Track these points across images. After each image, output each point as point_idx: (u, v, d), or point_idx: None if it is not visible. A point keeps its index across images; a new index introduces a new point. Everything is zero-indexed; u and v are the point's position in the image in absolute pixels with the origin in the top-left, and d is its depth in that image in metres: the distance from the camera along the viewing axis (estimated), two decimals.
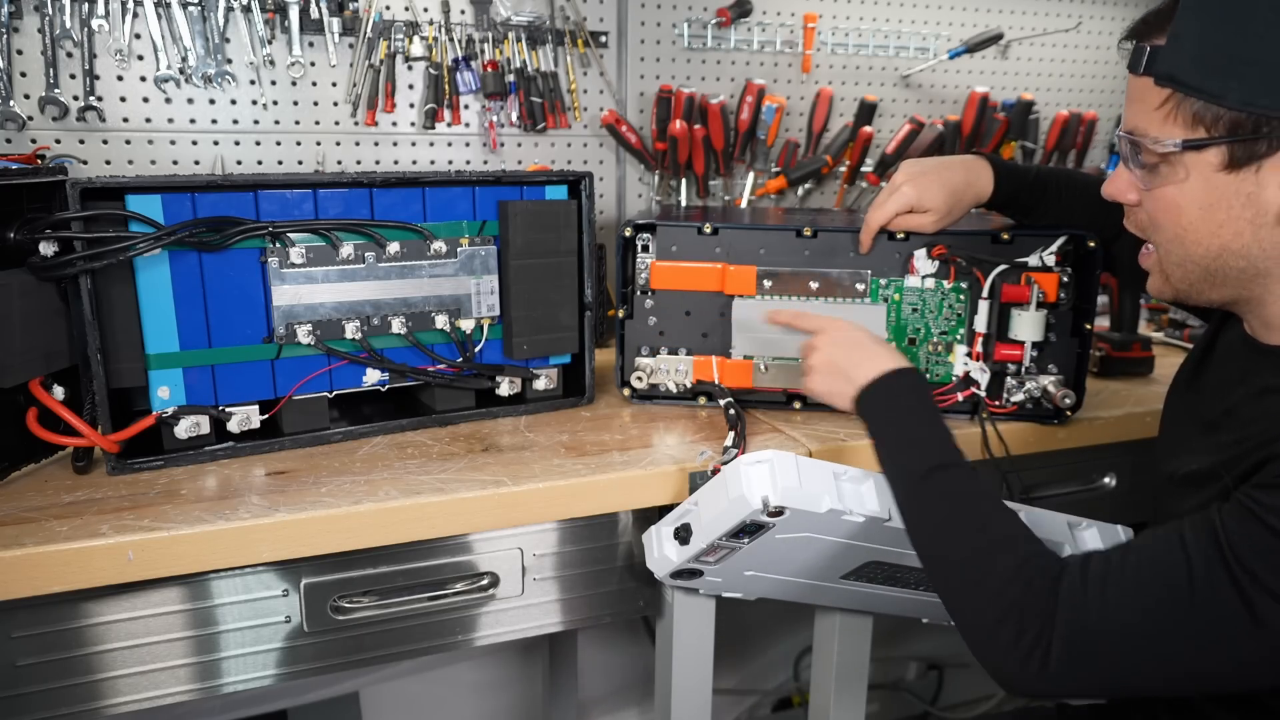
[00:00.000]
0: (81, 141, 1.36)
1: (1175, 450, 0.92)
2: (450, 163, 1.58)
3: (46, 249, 0.92)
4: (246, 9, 1.39)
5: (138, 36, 1.36)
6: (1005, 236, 1.16)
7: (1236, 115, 0.72)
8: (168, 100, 1.40)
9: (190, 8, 1.36)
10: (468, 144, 1.58)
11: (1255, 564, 0.68)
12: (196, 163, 1.43)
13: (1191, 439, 0.89)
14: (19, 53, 1.30)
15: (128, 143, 1.39)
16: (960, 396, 1.18)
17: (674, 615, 1.11)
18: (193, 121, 1.42)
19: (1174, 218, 0.79)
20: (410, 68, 1.52)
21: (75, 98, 1.34)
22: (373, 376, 1.11)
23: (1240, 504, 0.71)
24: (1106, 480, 1.32)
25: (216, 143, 1.44)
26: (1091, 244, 1.13)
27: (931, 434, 0.89)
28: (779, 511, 0.87)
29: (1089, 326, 1.17)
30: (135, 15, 1.34)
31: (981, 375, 1.16)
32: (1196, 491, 0.82)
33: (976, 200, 1.17)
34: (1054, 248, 1.14)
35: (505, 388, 1.20)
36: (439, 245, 1.11)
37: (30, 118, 1.32)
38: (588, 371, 1.24)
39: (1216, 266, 0.79)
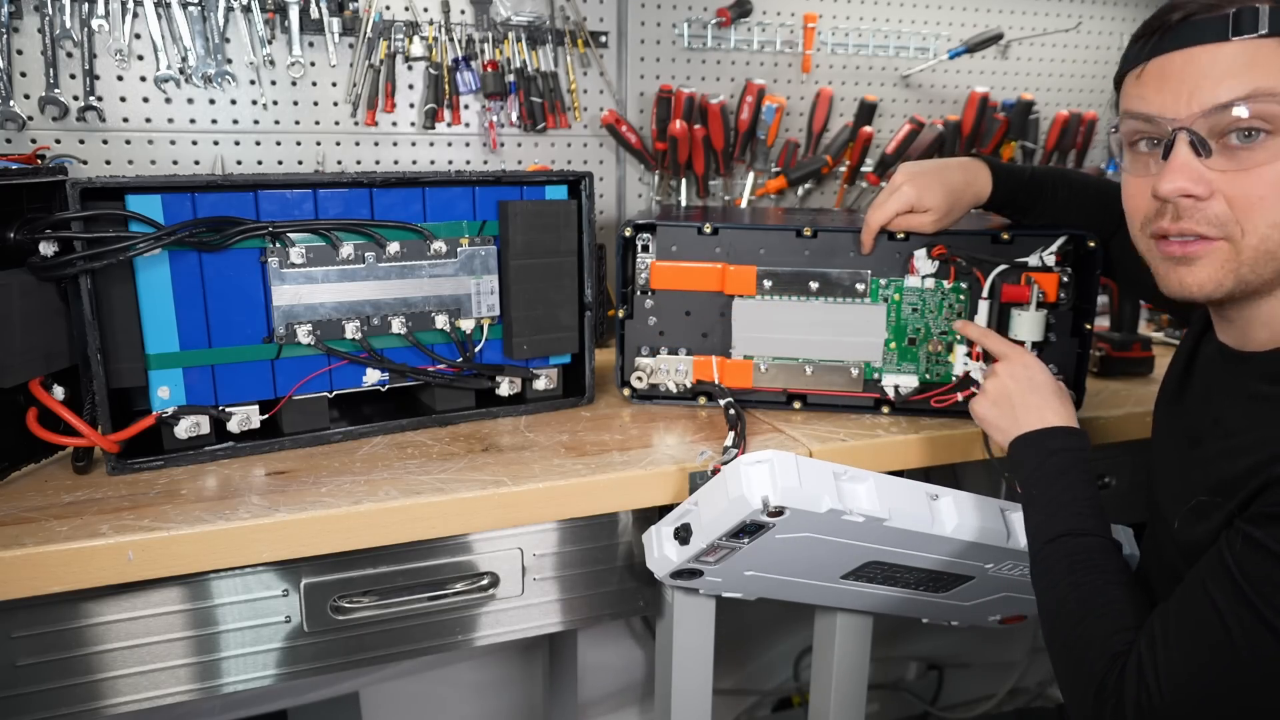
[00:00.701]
0: (81, 141, 1.36)
1: (1165, 467, 0.92)
2: (450, 163, 1.58)
3: (46, 249, 0.92)
4: (246, 9, 1.39)
5: (138, 36, 1.36)
6: (1005, 236, 1.16)
7: None
8: (168, 100, 1.40)
9: (190, 8, 1.36)
10: (468, 144, 1.58)
11: (1277, 598, 0.68)
12: (196, 163, 1.43)
13: (1180, 455, 0.88)
14: (19, 53, 1.30)
15: (128, 143, 1.39)
16: (960, 396, 1.18)
17: (674, 615, 1.11)
18: (193, 121, 1.42)
19: None
20: (410, 68, 1.52)
21: (75, 98, 1.34)
22: (373, 376, 1.11)
23: (1250, 540, 0.70)
24: (1106, 480, 1.32)
25: (216, 143, 1.44)
26: (1091, 244, 1.13)
27: (1074, 499, 0.88)
28: (779, 511, 0.87)
29: (1089, 326, 1.17)
30: (135, 15, 1.34)
31: (981, 375, 1.16)
32: (1202, 522, 0.81)
33: (975, 200, 1.17)
34: (1054, 248, 1.14)
35: (505, 388, 1.20)
36: (439, 245, 1.11)
37: (30, 118, 1.32)
38: (588, 371, 1.24)
39: None
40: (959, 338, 1.18)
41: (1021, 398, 0.98)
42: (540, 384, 1.23)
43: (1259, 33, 0.71)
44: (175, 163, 1.42)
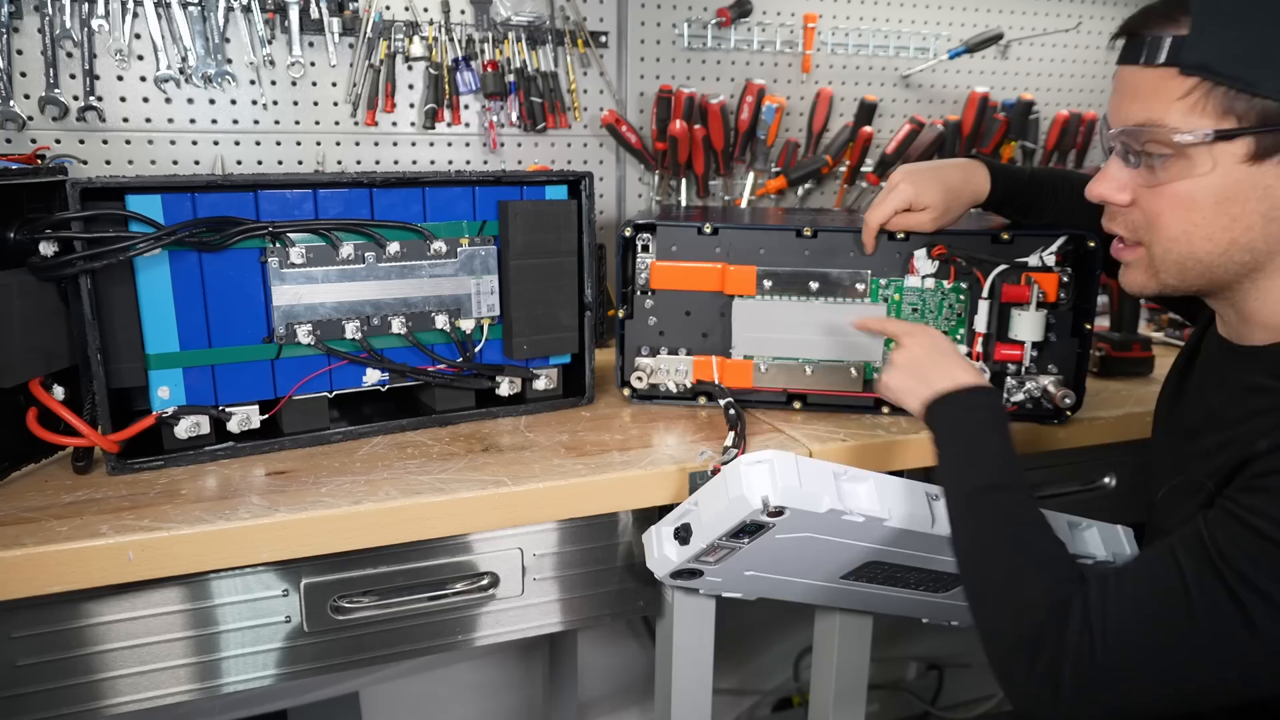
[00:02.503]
0: (81, 141, 1.36)
1: (1163, 461, 0.92)
2: (450, 163, 1.58)
3: (46, 249, 0.92)
4: (246, 9, 1.39)
5: (138, 36, 1.36)
6: (1005, 236, 1.16)
7: (1268, 105, 0.71)
8: (168, 100, 1.40)
9: (190, 8, 1.36)
10: (468, 144, 1.58)
11: (1244, 567, 0.67)
12: (196, 163, 1.43)
13: (1178, 448, 0.89)
14: (19, 53, 1.30)
15: (128, 143, 1.39)
16: None
17: (674, 615, 1.11)
18: (193, 121, 1.42)
19: (1184, 214, 0.78)
20: (410, 68, 1.52)
21: (75, 98, 1.34)
22: (373, 376, 1.11)
23: (1224, 509, 0.71)
24: (1106, 480, 1.32)
25: (216, 143, 1.44)
26: (1091, 244, 1.13)
27: (994, 454, 0.88)
28: (779, 511, 0.87)
29: (1089, 326, 1.17)
30: (135, 15, 1.34)
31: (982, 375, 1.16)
32: (1184, 502, 0.82)
33: (974, 199, 1.17)
34: (1054, 248, 1.14)
35: (505, 388, 1.20)
36: (439, 245, 1.11)
37: (30, 118, 1.32)
38: (588, 371, 1.24)
39: (1220, 262, 0.78)
40: (958, 337, 1.18)
41: (931, 361, 0.98)
42: (540, 384, 1.23)
43: (1159, 63, 0.75)
44: (175, 163, 1.42)
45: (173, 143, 1.42)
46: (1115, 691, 0.71)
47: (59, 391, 0.98)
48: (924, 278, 1.17)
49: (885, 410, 1.21)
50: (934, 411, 0.94)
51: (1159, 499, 0.88)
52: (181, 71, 1.38)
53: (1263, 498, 0.69)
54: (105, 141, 1.38)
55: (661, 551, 0.97)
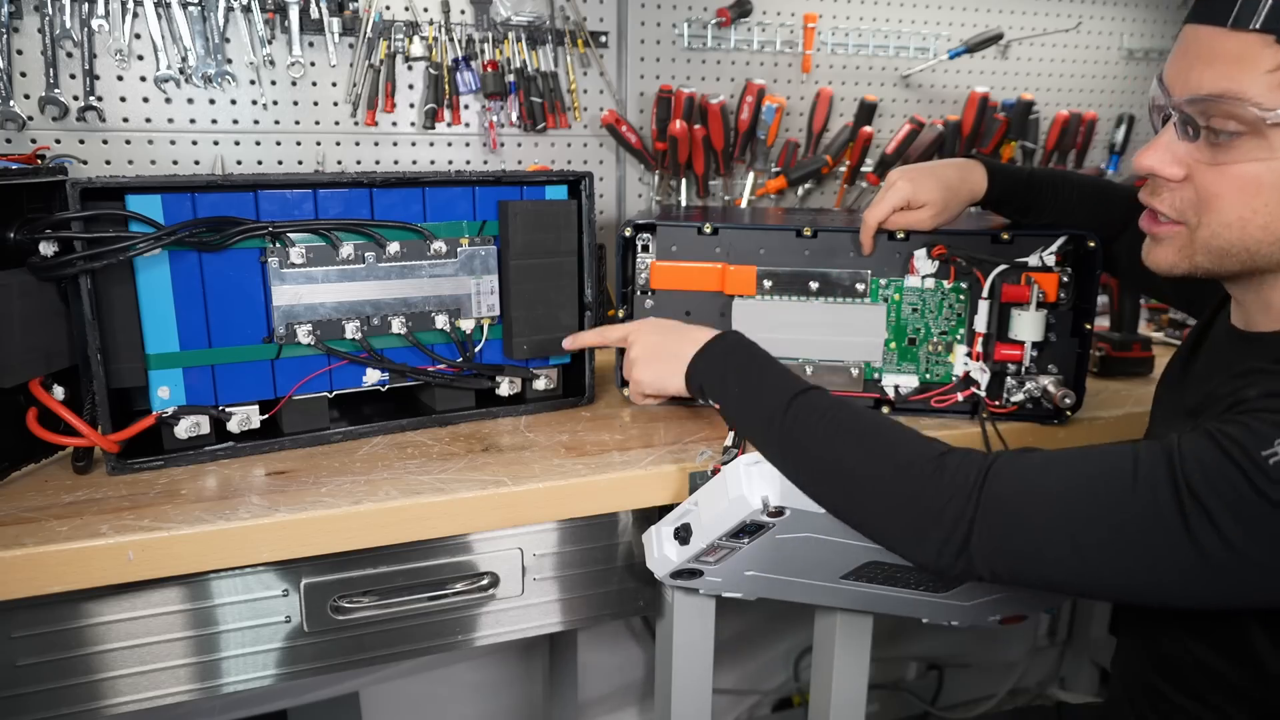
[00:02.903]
0: (81, 141, 1.36)
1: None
2: (450, 163, 1.58)
3: (46, 249, 0.92)
4: (246, 9, 1.39)
5: (138, 36, 1.36)
6: (1005, 236, 1.16)
7: None
8: (168, 100, 1.40)
9: (190, 8, 1.36)
10: (468, 144, 1.58)
11: (1196, 475, 0.66)
12: (196, 163, 1.43)
13: (1175, 428, 0.88)
14: (19, 53, 1.30)
15: (128, 143, 1.39)
16: (960, 396, 1.18)
17: (674, 615, 1.11)
18: (193, 121, 1.42)
19: (1247, 198, 0.72)
20: (410, 68, 1.52)
21: (75, 98, 1.34)
22: (373, 376, 1.11)
23: (1202, 430, 0.69)
24: None
25: (216, 143, 1.44)
26: (1091, 244, 1.13)
27: (778, 375, 0.88)
28: (779, 511, 0.87)
29: (1089, 326, 1.17)
30: (135, 15, 1.34)
31: (981, 375, 1.16)
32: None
33: (972, 197, 1.18)
34: (1054, 248, 1.14)
35: (505, 388, 1.20)
36: (439, 245, 1.11)
37: (30, 118, 1.32)
38: (588, 371, 1.24)
39: (1269, 252, 0.74)
40: (958, 337, 1.18)
41: (667, 340, 1.00)
42: (540, 384, 1.23)
43: (1251, 27, 0.69)
44: (175, 163, 1.42)
45: (173, 143, 1.42)
46: (1024, 540, 0.70)
47: (59, 391, 0.98)
48: (924, 278, 1.17)
49: (885, 410, 1.21)
50: (695, 373, 0.95)
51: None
52: (181, 71, 1.38)
53: (1238, 428, 0.67)
54: (105, 141, 1.38)
55: (661, 551, 0.97)
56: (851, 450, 0.80)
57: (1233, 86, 0.69)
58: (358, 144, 1.52)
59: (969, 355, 1.17)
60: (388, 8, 1.48)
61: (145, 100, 1.39)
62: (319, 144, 1.50)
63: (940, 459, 0.75)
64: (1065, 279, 1.15)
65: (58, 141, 1.35)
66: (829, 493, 0.82)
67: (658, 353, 1.00)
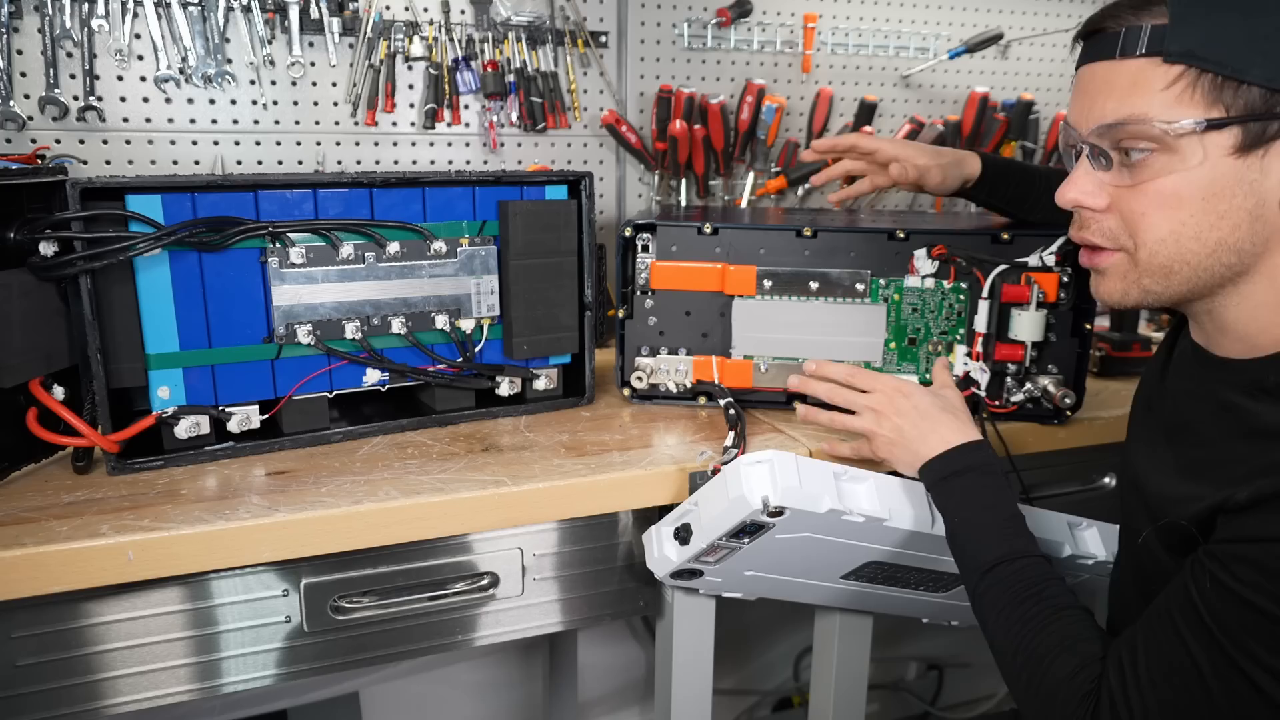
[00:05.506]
0: (81, 141, 1.36)
1: (1141, 465, 0.90)
2: (450, 163, 1.58)
3: (46, 249, 0.92)
4: (246, 9, 1.39)
5: (138, 36, 1.36)
6: (1005, 236, 1.16)
7: (1254, 93, 0.68)
8: (168, 100, 1.40)
9: (190, 8, 1.36)
10: (468, 144, 1.58)
11: (1251, 645, 0.67)
12: (196, 163, 1.43)
13: (1156, 452, 0.86)
14: (19, 53, 1.30)
15: (128, 143, 1.39)
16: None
17: (674, 615, 1.11)
18: (193, 121, 1.42)
19: (1171, 212, 0.73)
20: (410, 68, 1.52)
21: (75, 98, 1.34)
22: (373, 376, 1.11)
23: (1218, 582, 0.69)
24: (1106, 480, 1.32)
25: (216, 143, 1.44)
26: None
27: (995, 519, 0.88)
28: (779, 511, 0.87)
29: (1089, 326, 1.17)
30: (135, 15, 1.34)
31: (981, 375, 1.16)
32: (1168, 538, 0.80)
33: (963, 175, 1.22)
34: (1054, 248, 1.14)
35: (505, 388, 1.20)
36: (439, 245, 1.11)
37: (30, 118, 1.32)
38: (588, 371, 1.24)
39: (1208, 265, 0.74)
40: (958, 337, 1.18)
41: (915, 429, 0.97)
42: (540, 384, 1.23)
43: (1138, 54, 0.72)
44: (175, 163, 1.42)
45: (173, 143, 1.42)
46: None
47: (59, 391, 0.98)
48: (924, 277, 1.17)
49: None
50: (928, 478, 0.95)
51: (1140, 543, 0.86)
52: (181, 71, 1.38)
53: (1249, 569, 0.68)
54: (105, 141, 1.38)
55: (661, 551, 0.97)
56: (1019, 648, 0.82)
57: (1135, 109, 0.73)
58: (358, 144, 1.52)
59: (969, 355, 1.17)
60: (388, 8, 1.48)
61: (145, 100, 1.39)
62: (319, 144, 1.50)
63: (1083, 700, 0.76)
64: (1065, 279, 1.15)
65: (58, 141, 1.35)
66: (997, 662, 0.85)
67: (902, 443, 0.98)
